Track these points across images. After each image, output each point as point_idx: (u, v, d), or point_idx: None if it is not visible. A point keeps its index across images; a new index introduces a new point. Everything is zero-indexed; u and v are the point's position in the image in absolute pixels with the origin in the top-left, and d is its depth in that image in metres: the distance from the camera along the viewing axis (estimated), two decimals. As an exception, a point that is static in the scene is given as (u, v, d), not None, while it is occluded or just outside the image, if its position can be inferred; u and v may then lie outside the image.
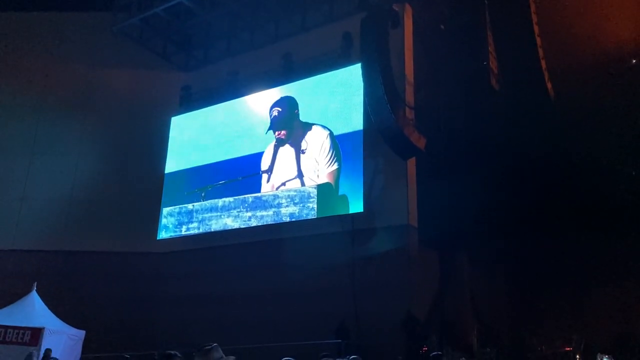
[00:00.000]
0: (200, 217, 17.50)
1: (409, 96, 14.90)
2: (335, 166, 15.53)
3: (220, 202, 17.24)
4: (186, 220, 17.80)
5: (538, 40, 12.04)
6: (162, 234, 18.29)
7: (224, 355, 3.43)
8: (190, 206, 17.88)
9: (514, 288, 14.64)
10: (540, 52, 12.03)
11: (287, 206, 15.81)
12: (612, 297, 12.89)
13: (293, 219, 15.68)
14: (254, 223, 16.39)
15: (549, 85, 12.24)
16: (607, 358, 7.78)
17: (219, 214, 17.15)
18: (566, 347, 13.10)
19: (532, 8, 12.27)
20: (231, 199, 17.05)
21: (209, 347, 3.41)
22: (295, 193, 15.84)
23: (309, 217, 15.42)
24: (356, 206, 14.91)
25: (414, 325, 13.00)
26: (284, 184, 16.23)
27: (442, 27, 15.00)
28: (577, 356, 12.47)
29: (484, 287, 14.62)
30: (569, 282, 13.51)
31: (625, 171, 13.24)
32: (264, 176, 16.74)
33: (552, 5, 13.30)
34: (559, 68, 13.39)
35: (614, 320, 13.07)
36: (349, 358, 7.54)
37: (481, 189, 12.87)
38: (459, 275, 14.87)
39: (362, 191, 14.93)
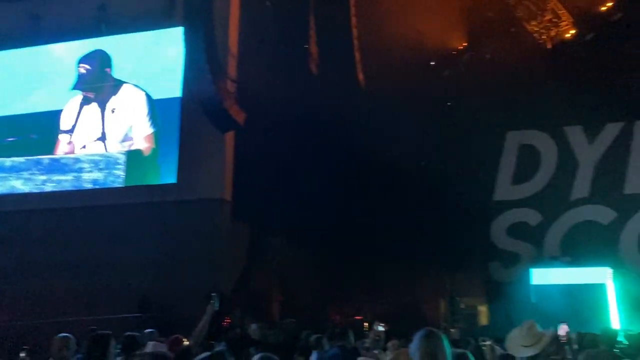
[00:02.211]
0: (-19, 177, 15.23)
1: (232, 68, 14.73)
2: (149, 131, 14.73)
3: (8, 161, 15.17)
4: (-36, 180, 15.35)
5: (354, 31, 12.77)
6: None
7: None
8: (-30, 164, 15.45)
9: (320, 263, 15.53)
10: (356, 43, 12.78)
11: (90, 171, 14.57)
12: (399, 271, 14.43)
13: (97, 186, 14.52)
14: (49, 188, 14.80)
15: (361, 76, 13.10)
16: (381, 326, 8.75)
17: (5, 175, 15.10)
18: (356, 316, 14.43)
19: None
20: (22, 159, 15.11)
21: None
22: (100, 158, 14.65)
23: (115, 185, 14.45)
24: (169, 176, 14.38)
25: (219, 299, 13.04)
26: (85, 146, 14.87)
27: (268, 3, 15.04)
28: (365, 324, 13.77)
29: (292, 262, 15.26)
30: (366, 257, 14.80)
31: (420, 161, 14.81)
32: (65, 136, 15.14)
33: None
34: (373, 60, 14.44)
35: (401, 292, 14.71)
36: (144, 332, 7.27)
37: (295, 168, 13.35)
38: (269, 250, 15.31)
39: (176, 161, 14.43)
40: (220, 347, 6.62)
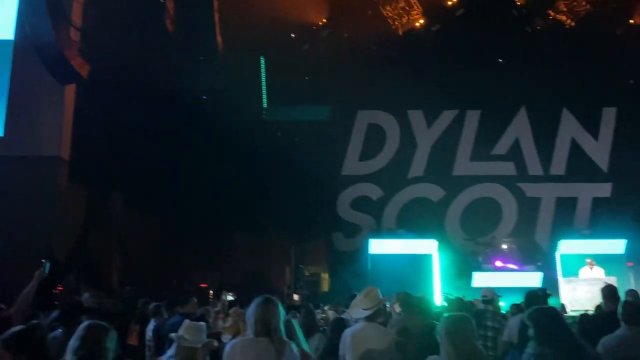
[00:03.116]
0: None
1: (76, 15, 13.33)
2: (-29, 77, 12.82)
3: None
4: None
5: (215, -9, 12.33)
6: None
7: None
8: None
9: (165, 229, 15.06)
10: (216, 4, 12.35)
11: None
12: (248, 239, 14.60)
13: None
14: None
15: (219, 39, 12.74)
16: (230, 295, 8.89)
17: None
18: (202, 284, 14.35)
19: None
20: None
21: None
22: None
23: None
24: (-6, 128, 12.72)
25: (52, 264, 12.03)
26: None
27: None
28: (211, 292, 13.77)
29: (134, 228, 14.59)
30: (214, 225, 14.69)
31: (276, 132, 14.96)
32: None
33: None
34: (232, 25, 14.11)
35: (248, 260, 14.89)
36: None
37: (141, 129, 12.65)
38: (109, 214, 14.44)
39: (4, 112, 12.78)
40: (53, 315, 6.16)
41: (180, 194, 13.56)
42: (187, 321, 4.00)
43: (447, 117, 16.98)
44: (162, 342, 5.81)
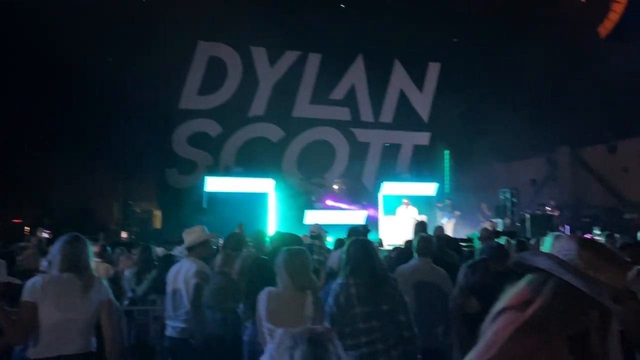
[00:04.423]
0: None
1: None
2: None
3: None
4: None
5: None
6: None
7: None
8: None
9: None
10: None
11: None
12: (70, 174, 13.32)
13: None
14: None
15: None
16: (45, 233, 8.21)
17: None
18: (15, 219, 12.94)
19: None
20: None
21: None
22: None
23: None
24: None
25: None
26: None
27: None
28: (26, 228, 12.51)
29: None
30: (30, 153, 13.20)
31: (107, 58, 13.51)
32: None
33: None
34: None
35: (70, 195, 13.65)
36: None
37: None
38: None
39: None
40: None
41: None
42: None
43: (289, 57, 17.02)
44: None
